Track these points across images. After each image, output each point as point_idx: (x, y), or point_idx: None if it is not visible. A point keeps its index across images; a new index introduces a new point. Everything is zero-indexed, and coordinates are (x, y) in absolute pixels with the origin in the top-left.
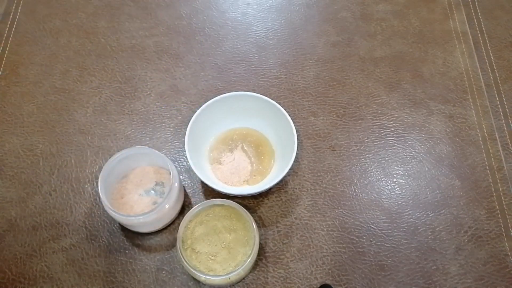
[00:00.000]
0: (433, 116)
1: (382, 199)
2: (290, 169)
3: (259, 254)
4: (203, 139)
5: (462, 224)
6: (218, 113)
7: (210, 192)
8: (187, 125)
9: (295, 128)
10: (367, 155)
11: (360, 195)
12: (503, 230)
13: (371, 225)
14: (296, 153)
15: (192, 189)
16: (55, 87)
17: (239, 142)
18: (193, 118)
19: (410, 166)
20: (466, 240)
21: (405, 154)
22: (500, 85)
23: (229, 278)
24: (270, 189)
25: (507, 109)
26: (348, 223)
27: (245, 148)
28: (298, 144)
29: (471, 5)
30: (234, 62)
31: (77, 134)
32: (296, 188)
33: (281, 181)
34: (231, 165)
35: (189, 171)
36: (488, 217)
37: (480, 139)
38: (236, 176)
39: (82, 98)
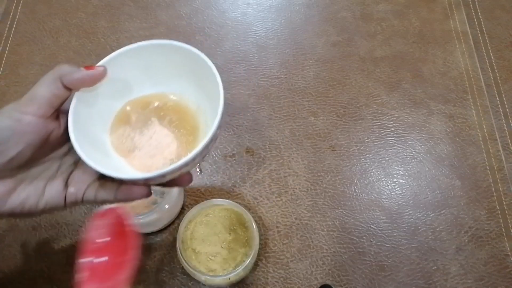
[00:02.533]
0: (433, 116)
1: (382, 199)
2: (289, 169)
3: (259, 255)
4: (100, 124)
5: (462, 224)
6: (107, 89)
7: (210, 192)
8: None
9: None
10: (367, 155)
11: (360, 195)
12: (503, 230)
13: (371, 225)
14: (296, 153)
15: (192, 189)
16: None
17: (151, 115)
18: (73, 100)
19: (410, 166)
20: (466, 240)
21: (405, 154)
22: (500, 85)
23: (229, 279)
24: (204, 154)
25: (507, 109)
26: (348, 223)
27: (162, 120)
28: (298, 144)
29: (471, 5)
30: (234, 62)
31: None
32: (296, 188)
33: (215, 139)
34: (149, 147)
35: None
36: (488, 217)
37: (481, 139)
38: (160, 157)
39: None
